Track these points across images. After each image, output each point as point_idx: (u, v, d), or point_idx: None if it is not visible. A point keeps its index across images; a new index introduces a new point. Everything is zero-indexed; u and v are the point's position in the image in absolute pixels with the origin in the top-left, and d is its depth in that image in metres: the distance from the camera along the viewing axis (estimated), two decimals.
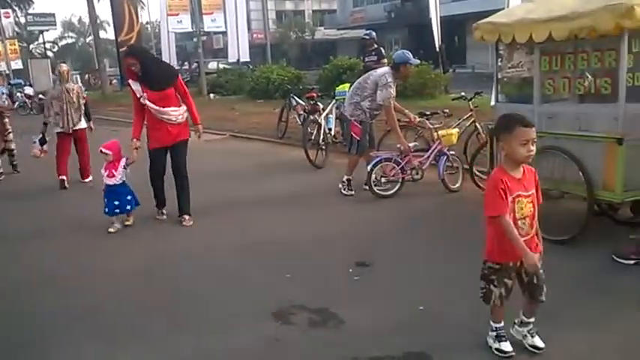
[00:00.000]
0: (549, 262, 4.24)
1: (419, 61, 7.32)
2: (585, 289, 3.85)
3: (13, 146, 8.96)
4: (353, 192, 6.60)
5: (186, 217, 5.76)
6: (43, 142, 7.98)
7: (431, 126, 6.88)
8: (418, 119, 6.97)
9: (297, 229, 5.51)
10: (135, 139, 5.65)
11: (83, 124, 7.94)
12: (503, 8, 9.21)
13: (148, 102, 5.52)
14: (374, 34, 10.61)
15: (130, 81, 5.64)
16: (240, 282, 4.27)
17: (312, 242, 5.09)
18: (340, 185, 6.74)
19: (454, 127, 6.98)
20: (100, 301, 4.03)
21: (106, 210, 5.62)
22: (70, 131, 7.79)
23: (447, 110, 7.36)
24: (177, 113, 5.64)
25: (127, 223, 5.75)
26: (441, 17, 15.05)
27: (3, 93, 9.07)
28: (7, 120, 8.90)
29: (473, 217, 5.44)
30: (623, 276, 4.01)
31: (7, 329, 3.65)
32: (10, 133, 8.95)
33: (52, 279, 4.48)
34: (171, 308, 3.88)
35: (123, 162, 5.65)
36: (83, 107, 7.89)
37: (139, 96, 5.57)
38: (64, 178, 7.73)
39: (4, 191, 8.00)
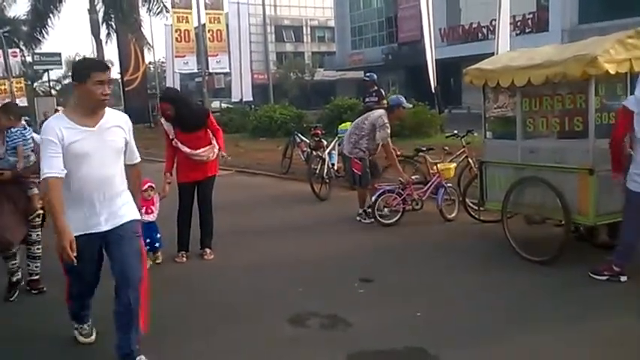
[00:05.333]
0: (535, 278, 4.84)
1: (411, 105, 8.00)
2: (562, 299, 4.39)
3: (35, 237, 5.04)
4: (373, 220, 7.06)
5: (208, 250, 5.94)
6: None
7: (431, 160, 7.53)
8: (399, 152, 7.59)
9: (306, 251, 6.05)
10: (168, 174, 5.77)
11: None
12: (494, 52, 10.04)
13: (180, 145, 5.67)
14: (375, 76, 11.30)
15: (163, 120, 5.84)
16: (258, 295, 4.81)
17: (321, 262, 5.64)
18: (358, 217, 7.28)
19: (447, 162, 7.61)
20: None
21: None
22: None
23: (447, 147, 7.99)
24: (208, 152, 5.77)
25: (158, 261, 5.79)
26: (436, 60, 15.88)
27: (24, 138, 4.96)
28: (34, 191, 4.91)
29: (464, 244, 6.08)
30: (595, 289, 4.54)
31: None
32: (37, 215, 5.02)
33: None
34: (205, 315, 4.42)
35: (157, 198, 5.78)
36: None
37: (170, 137, 5.74)
38: None
39: None
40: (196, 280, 5.31)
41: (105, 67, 3.39)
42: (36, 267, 5.07)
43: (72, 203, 3.27)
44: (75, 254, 3.13)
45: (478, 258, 5.56)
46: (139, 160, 3.70)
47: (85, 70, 3.28)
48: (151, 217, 5.73)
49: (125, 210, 3.48)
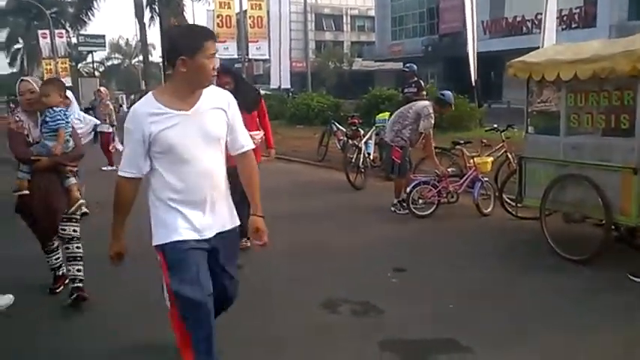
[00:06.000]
0: (572, 277, 4.75)
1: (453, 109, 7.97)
2: (599, 300, 4.31)
3: (71, 231, 4.36)
4: (407, 211, 7.05)
5: (244, 239, 5.66)
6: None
7: (468, 153, 7.47)
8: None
9: (340, 239, 6.08)
10: None
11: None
12: (539, 46, 9.83)
13: None
14: (415, 67, 11.18)
15: None
16: (291, 281, 4.86)
17: (355, 250, 5.67)
18: (392, 208, 7.29)
19: (489, 156, 7.53)
20: None
21: None
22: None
23: (486, 140, 7.91)
24: (258, 137, 5.51)
25: None
26: (478, 53, 15.62)
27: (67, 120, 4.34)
28: (72, 181, 4.36)
29: (498, 239, 6.02)
30: (634, 292, 4.43)
31: None
32: (77, 211, 4.41)
33: None
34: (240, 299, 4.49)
35: None
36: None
37: None
38: None
39: None
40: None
41: (215, 35, 2.78)
42: (77, 271, 4.32)
43: (170, 205, 2.69)
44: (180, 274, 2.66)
45: (514, 254, 5.49)
46: (251, 146, 2.92)
47: (198, 39, 2.58)
48: None
49: (229, 214, 2.90)
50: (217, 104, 2.74)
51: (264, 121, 5.85)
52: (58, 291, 4.57)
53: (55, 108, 4.26)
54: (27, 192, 4.28)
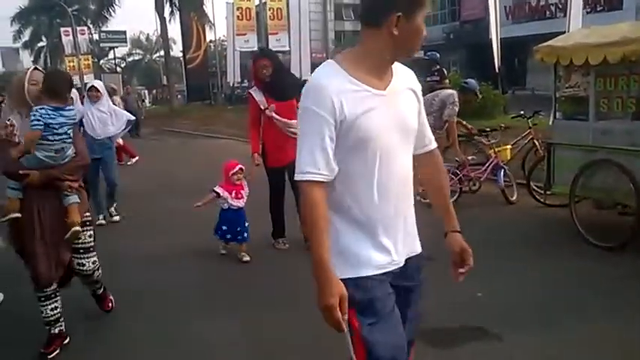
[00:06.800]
0: (601, 265, 4.68)
1: (480, 96, 7.93)
2: (628, 288, 4.24)
3: (91, 263, 3.69)
4: (428, 200, 6.99)
5: (281, 240, 5.53)
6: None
7: (486, 142, 7.40)
8: (475, 131, 7.58)
9: None
10: (256, 154, 5.21)
11: None
12: (564, 31, 9.64)
13: (274, 114, 5.09)
14: (437, 55, 11.06)
15: (253, 90, 5.26)
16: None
17: None
18: (418, 197, 7.24)
19: (512, 144, 7.46)
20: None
21: (228, 236, 5.26)
22: None
23: (503, 124, 7.84)
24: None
25: (246, 259, 5.18)
26: (501, 39, 15.39)
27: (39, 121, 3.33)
28: (72, 200, 3.48)
29: (526, 226, 5.95)
30: None
31: None
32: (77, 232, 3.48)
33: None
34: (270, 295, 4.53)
35: (245, 182, 5.24)
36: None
37: (263, 107, 5.11)
38: None
39: None
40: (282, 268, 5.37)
41: None
42: (98, 287, 3.93)
43: (356, 224, 1.89)
44: (369, 320, 1.86)
45: (542, 241, 5.44)
46: (435, 144, 2.19)
47: None
48: (241, 203, 5.21)
49: (415, 233, 2.17)
50: (409, 84, 1.98)
51: None
52: (51, 357, 3.38)
53: (37, 107, 3.34)
54: (18, 215, 3.34)
